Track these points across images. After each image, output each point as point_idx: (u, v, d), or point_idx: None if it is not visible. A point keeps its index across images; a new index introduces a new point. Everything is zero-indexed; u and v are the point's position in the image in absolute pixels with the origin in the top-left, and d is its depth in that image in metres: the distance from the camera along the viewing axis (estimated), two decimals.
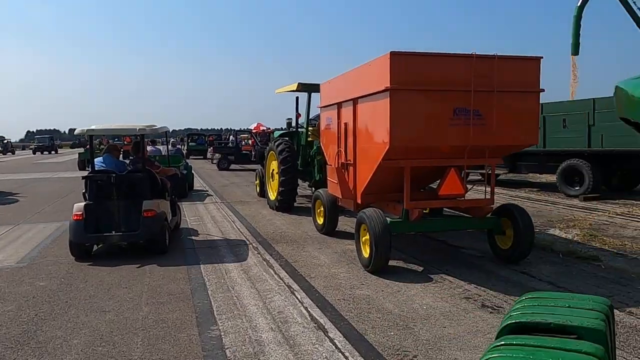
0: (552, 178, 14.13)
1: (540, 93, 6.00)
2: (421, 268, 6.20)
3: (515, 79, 5.82)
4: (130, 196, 6.85)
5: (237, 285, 5.52)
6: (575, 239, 7.83)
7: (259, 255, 6.86)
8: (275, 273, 5.99)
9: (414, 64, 5.51)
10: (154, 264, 6.41)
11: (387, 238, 5.68)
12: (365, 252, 6.03)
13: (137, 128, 7.24)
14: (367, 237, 5.92)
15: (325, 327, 4.30)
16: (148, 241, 6.88)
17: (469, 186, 6.48)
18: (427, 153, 5.83)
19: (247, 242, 7.74)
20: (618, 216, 9.64)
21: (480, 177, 13.83)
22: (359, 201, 6.77)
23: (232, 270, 6.13)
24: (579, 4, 15.42)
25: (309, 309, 4.72)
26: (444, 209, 7.01)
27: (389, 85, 5.40)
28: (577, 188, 12.19)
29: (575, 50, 15.50)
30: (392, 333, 4.15)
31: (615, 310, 4.77)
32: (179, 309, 4.76)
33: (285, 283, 5.57)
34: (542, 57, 5.96)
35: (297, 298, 5.06)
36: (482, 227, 6.53)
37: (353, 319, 4.46)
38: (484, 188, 6.63)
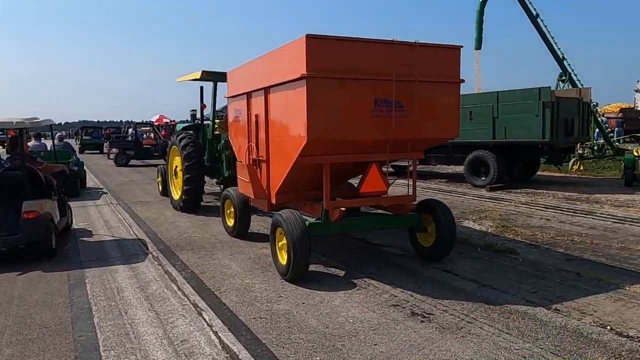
0: (458, 169, 14.53)
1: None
2: (343, 272, 5.73)
3: (436, 69, 5.51)
4: (8, 196, 6.21)
5: (132, 307, 4.64)
6: (489, 230, 7.86)
7: (160, 267, 5.96)
8: (179, 289, 5.17)
9: (333, 49, 4.96)
10: (26, 283, 5.28)
11: (306, 242, 5.12)
12: (283, 259, 5.42)
13: (14, 121, 6.47)
14: (284, 241, 5.31)
15: (240, 356, 3.63)
16: (30, 245, 6.11)
17: (390, 181, 6.12)
18: (348, 148, 5.34)
19: (146, 251, 6.77)
20: (523, 205, 9.98)
21: (392, 170, 13.81)
22: (273, 201, 6.13)
23: (126, 288, 5.20)
24: (481, 0, 16.07)
25: (220, 334, 4.01)
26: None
27: (305, 72, 4.81)
28: (483, 178, 12.57)
29: (478, 45, 16.18)
30: (319, 359, 3.59)
31: (542, 309, 4.68)
32: (53, 348, 3.80)
33: (190, 301, 4.79)
34: (462, 46, 5.72)
35: (204, 320, 4.32)
36: (405, 225, 6.22)
37: (272, 343, 3.84)
38: (401, 182, 6.31)
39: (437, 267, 5.88)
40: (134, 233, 7.89)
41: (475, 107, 12.48)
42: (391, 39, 5.25)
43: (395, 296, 4.90)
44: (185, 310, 4.56)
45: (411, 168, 6.02)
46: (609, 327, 4.09)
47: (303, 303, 4.71)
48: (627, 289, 5.03)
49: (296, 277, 5.25)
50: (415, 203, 6.11)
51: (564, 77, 15.95)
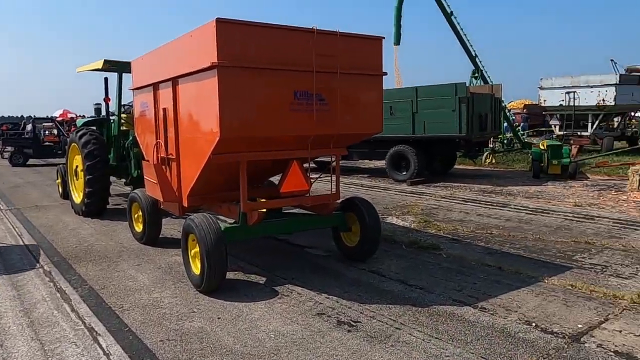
0: (380, 164, 14.60)
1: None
2: (264, 278, 5.30)
3: (358, 61, 5.23)
4: None
5: (10, 337, 3.89)
6: (412, 226, 7.80)
7: (52, 284, 5.17)
8: (73, 309, 4.46)
9: (247, 35, 4.49)
10: None
11: (221, 250, 4.63)
12: (196, 269, 4.88)
13: None
14: (197, 249, 4.78)
15: None
16: None
17: (312, 179, 5.78)
18: (266, 144, 4.90)
19: (37, 264, 5.90)
20: (443, 199, 10.13)
21: (314, 166, 13.58)
22: (185, 204, 5.55)
23: (6, 312, 4.41)
24: None
25: None
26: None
27: (216, 60, 4.30)
28: (404, 173, 12.69)
29: (397, 41, 16.38)
30: None
31: (469, 309, 4.58)
32: None
33: (85, 324, 4.13)
34: (383, 38, 5.49)
35: (101, 347, 3.70)
36: (329, 225, 5.91)
37: None
38: (324, 179, 6.00)
39: (362, 268, 5.64)
40: (24, 244, 6.90)
41: (396, 102, 12.54)
42: (311, 27, 4.88)
43: (320, 303, 4.56)
44: (77, 336, 3.90)
45: (334, 165, 5.71)
46: (534, 324, 4.04)
47: (219, 318, 4.22)
48: (546, 281, 5.09)
49: (211, 288, 4.74)
50: (339, 202, 5.82)
51: (476, 74, 16.64)
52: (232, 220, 5.38)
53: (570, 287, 4.89)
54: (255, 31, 4.56)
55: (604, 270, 5.43)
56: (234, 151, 4.69)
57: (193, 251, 4.95)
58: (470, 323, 4.09)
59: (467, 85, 13.50)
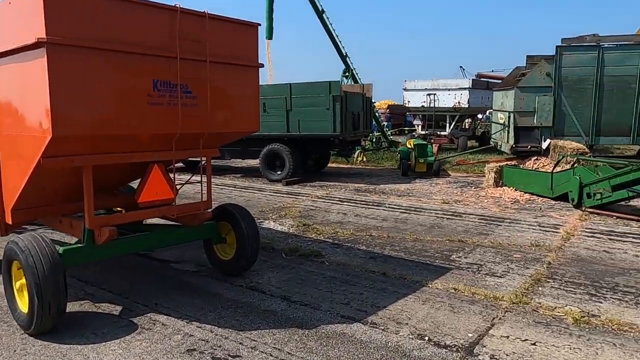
0: (253, 162, 13.96)
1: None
2: (119, 307, 4.37)
3: (231, 49, 4.55)
4: None
5: None
6: (291, 231, 7.33)
7: None
8: None
9: (90, 6, 3.55)
10: None
11: (57, 280, 3.62)
12: (23, 306, 3.79)
13: None
14: (24, 281, 3.69)
15: None
16: None
17: (178, 186, 4.96)
18: (117, 145, 3.98)
19: None
20: (320, 200, 9.86)
21: (183, 165, 12.51)
22: (9, 221, 4.34)
23: None
24: None
25: None
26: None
27: (43, 36, 3.30)
28: (279, 173, 12.23)
29: (269, 34, 15.86)
30: None
31: (360, 326, 4.20)
32: None
33: None
34: (259, 24, 4.87)
35: None
36: (199, 238, 5.14)
37: None
38: (194, 182, 5.20)
39: (240, 284, 4.99)
40: None
41: (269, 99, 12.01)
42: (174, 5, 4.08)
43: (191, 335, 3.82)
44: None
45: (206, 167, 4.95)
46: (427, 338, 3.79)
47: None
48: (430, 285, 4.96)
49: (45, 329, 3.70)
50: (211, 210, 5.08)
51: (347, 73, 16.88)
52: (77, 239, 4.34)
53: (453, 291, 4.81)
54: (101, 2, 3.63)
55: (479, 269, 5.51)
56: (72, 153, 3.70)
57: (18, 283, 3.84)
58: (363, 344, 3.69)
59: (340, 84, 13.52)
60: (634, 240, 6.68)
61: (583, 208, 8.40)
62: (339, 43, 16.22)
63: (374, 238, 6.88)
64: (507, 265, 5.66)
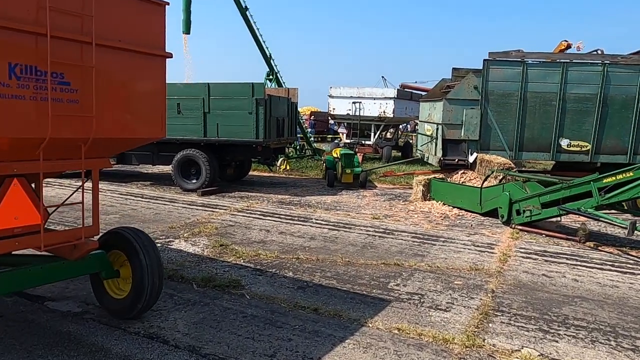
0: (166, 168, 12.62)
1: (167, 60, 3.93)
2: None
3: (129, 30, 3.53)
4: None
5: None
6: (206, 252, 6.31)
7: None
8: None
9: None
10: None
11: None
12: None
13: None
14: None
15: None
16: None
17: (51, 208, 3.80)
18: None
19: None
20: (240, 213, 8.87)
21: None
22: None
23: None
24: None
25: None
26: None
27: None
28: (194, 181, 11.04)
29: (187, 29, 14.55)
30: None
31: None
32: None
33: None
34: (167, 4, 3.88)
35: None
36: (82, 273, 4.01)
37: None
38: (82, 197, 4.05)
39: (136, 331, 3.93)
40: None
41: (184, 99, 10.81)
42: None
43: None
44: None
45: (95, 182, 3.84)
46: None
47: None
48: (370, 325, 4.23)
49: None
50: (99, 237, 3.98)
51: (270, 76, 16.01)
52: None
53: (397, 332, 4.12)
54: None
55: (422, 300, 4.88)
56: None
57: None
58: None
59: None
60: (567, 261, 6.46)
61: (512, 225, 8.21)
62: (262, 43, 15.32)
63: (302, 261, 6.06)
64: (450, 294, 5.09)
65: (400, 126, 21.89)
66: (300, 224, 8.13)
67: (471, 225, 8.44)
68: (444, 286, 5.34)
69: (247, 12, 14.53)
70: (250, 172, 13.86)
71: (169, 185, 11.62)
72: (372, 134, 18.09)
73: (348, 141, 18.35)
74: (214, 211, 8.99)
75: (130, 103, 3.61)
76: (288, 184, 12.69)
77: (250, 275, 5.47)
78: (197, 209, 9.14)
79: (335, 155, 13.14)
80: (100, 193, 9.76)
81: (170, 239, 6.89)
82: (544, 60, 10.64)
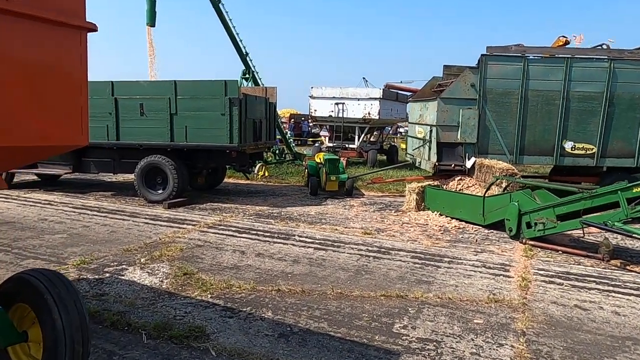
0: (131, 177, 11.31)
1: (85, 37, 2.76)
2: None
3: None
4: None
5: None
6: (165, 285, 5.12)
7: None
8: None
9: None
10: None
11: None
12: None
13: None
14: None
15: None
16: None
17: None
18: None
19: None
20: (211, 230, 7.67)
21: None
22: None
23: None
24: None
25: None
26: None
27: None
28: (160, 191, 9.79)
29: (151, 21, 13.26)
30: None
31: None
32: None
33: None
34: None
35: None
36: None
37: None
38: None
39: None
40: None
41: (148, 99, 9.56)
42: None
43: None
44: None
45: None
46: None
47: None
48: None
49: None
50: None
51: (247, 75, 14.83)
52: None
53: None
54: None
55: (439, 352, 3.80)
56: None
57: None
58: None
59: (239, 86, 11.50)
60: (598, 286, 5.47)
61: (523, 240, 7.22)
62: (237, 38, 14.13)
63: (284, 295, 4.92)
64: (472, 340, 4.02)
65: (386, 129, 20.85)
66: (281, 243, 6.98)
67: (476, 240, 7.42)
68: (462, 327, 4.27)
69: (220, 5, 13.32)
70: (225, 180, 12.64)
71: (133, 196, 10.33)
72: (357, 137, 17.02)
73: (330, 145, 17.25)
74: (180, 227, 7.77)
75: (29, 93, 2.43)
76: (267, 193, 11.52)
77: (219, 318, 4.31)
78: (161, 225, 7.89)
79: (318, 160, 12.03)
80: (51, 207, 8.35)
81: (123, 267, 5.67)
82: (545, 55, 9.72)
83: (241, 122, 9.33)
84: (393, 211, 9.57)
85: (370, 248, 6.83)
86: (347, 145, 16.95)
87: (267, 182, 13.41)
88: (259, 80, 14.81)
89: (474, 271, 5.91)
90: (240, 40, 14.14)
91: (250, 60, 14.64)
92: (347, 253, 6.55)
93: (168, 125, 9.53)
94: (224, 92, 9.18)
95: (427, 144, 10.41)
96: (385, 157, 18.48)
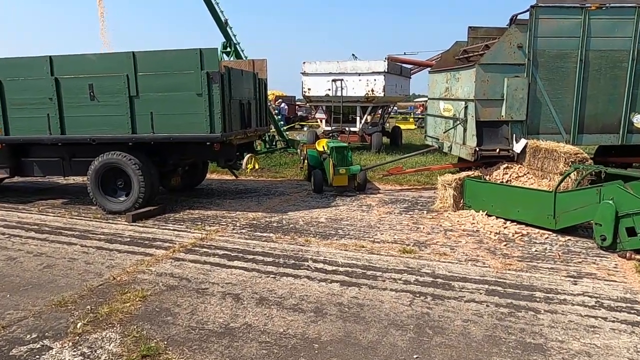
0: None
1: None
2: None
3: None
4: None
5: None
6: None
7: None
8: None
9: None
10: None
11: None
12: None
13: None
14: None
15: None
16: None
17: None
18: None
19: None
20: (189, 257, 5.50)
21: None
22: None
23: None
24: None
25: None
26: None
27: None
28: (122, 198, 7.54)
29: None
30: None
31: None
32: None
33: None
34: None
35: None
36: None
37: None
38: None
39: None
40: None
41: (99, 78, 7.24)
42: None
43: None
44: None
45: None
46: None
47: None
48: None
49: None
50: None
51: (228, 49, 12.51)
52: None
53: None
54: None
55: None
56: None
57: None
58: None
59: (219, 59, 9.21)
60: None
61: (624, 253, 5.22)
62: (214, 5, 11.73)
63: None
64: None
65: (391, 107, 18.53)
66: (292, 275, 4.84)
67: (558, 256, 5.38)
68: None
69: None
70: (207, 175, 10.39)
71: (92, 204, 8.02)
72: (358, 119, 14.81)
73: (328, 128, 15.02)
74: (146, 254, 5.57)
75: None
76: (260, 192, 9.32)
77: None
78: (119, 251, 5.68)
79: (320, 149, 9.86)
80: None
81: (44, 343, 3.48)
82: (613, 5, 7.60)
83: (224, 104, 7.07)
84: (425, 212, 7.47)
85: (420, 278, 4.73)
86: (347, 129, 14.73)
87: (258, 177, 11.17)
88: (241, 54, 12.51)
89: (594, 317, 3.86)
90: (217, 3, 11.74)
91: (231, 29, 12.28)
92: (391, 289, 4.45)
93: (127, 112, 7.23)
94: (199, 64, 6.90)
95: (461, 123, 8.28)
96: (388, 140, 16.32)
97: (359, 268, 5.02)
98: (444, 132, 9.07)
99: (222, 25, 12.21)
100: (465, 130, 8.18)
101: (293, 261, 5.26)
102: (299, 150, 14.08)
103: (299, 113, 32.90)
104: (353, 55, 21.45)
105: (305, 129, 28.85)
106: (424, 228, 6.57)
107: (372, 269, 5.00)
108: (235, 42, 12.47)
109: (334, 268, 5.03)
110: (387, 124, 18.64)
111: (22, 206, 8.20)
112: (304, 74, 14.62)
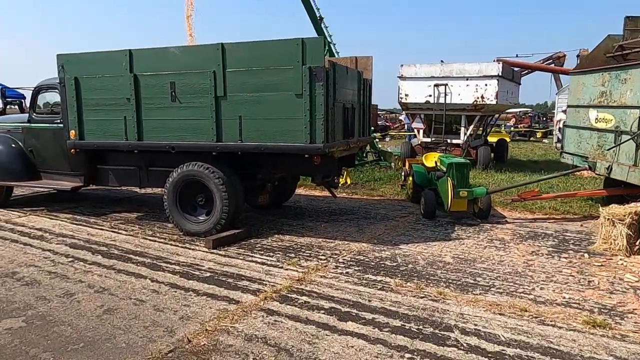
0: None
1: None
2: None
3: None
4: None
5: None
6: None
7: None
8: None
9: None
10: None
11: None
12: None
13: None
14: None
15: None
16: None
17: None
18: None
19: None
20: (285, 309, 4.12)
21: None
22: None
23: None
24: None
25: None
26: None
27: None
28: (201, 218, 6.39)
29: None
30: None
31: None
32: None
33: None
34: None
35: None
36: None
37: None
38: None
39: None
40: None
41: (182, 75, 6.15)
42: None
43: None
44: None
45: None
46: None
47: None
48: None
49: None
50: None
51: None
52: None
53: None
54: None
55: None
56: None
57: None
58: None
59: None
60: None
61: None
62: (311, 1, 10.55)
63: None
64: None
65: (494, 118, 15.99)
66: (435, 357, 3.28)
67: None
68: None
69: None
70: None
71: (168, 222, 6.97)
72: (463, 129, 12.96)
73: (427, 140, 13.31)
74: (231, 299, 4.26)
75: None
76: (357, 213, 7.85)
77: None
78: (197, 292, 4.43)
79: (429, 164, 8.24)
80: (38, 245, 5.01)
81: None
82: None
83: (328, 108, 5.70)
84: (585, 255, 5.61)
85: None
86: (450, 141, 12.93)
87: (352, 193, 9.72)
88: (335, 54, 11.22)
89: None
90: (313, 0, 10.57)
91: (326, 28, 11.06)
92: None
93: (212, 116, 6.07)
94: (300, 58, 5.58)
95: (634, 138, 6.31)
96: (492, 155, 14.27)
97: (534, 351, 3.36)
98: (599, 149, 7.07)
99: (316, 21, 10.99)
100: (638, 146, 6.20)
101: (430, 329, 3.70)
102: (393, 164, 12.53)
103: (379, 122, 31.28)
104: (441, 61, 19.51)
105: (387, 139, 27.17)
106: (598, 282, 4.75)
107: (557, 355, 3.32)
108: (329, 40, 11.22)
109: (496, 348, 3.41)
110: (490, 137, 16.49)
111: (94, 219, 7.34)
112: (401, 77, 13.02)
